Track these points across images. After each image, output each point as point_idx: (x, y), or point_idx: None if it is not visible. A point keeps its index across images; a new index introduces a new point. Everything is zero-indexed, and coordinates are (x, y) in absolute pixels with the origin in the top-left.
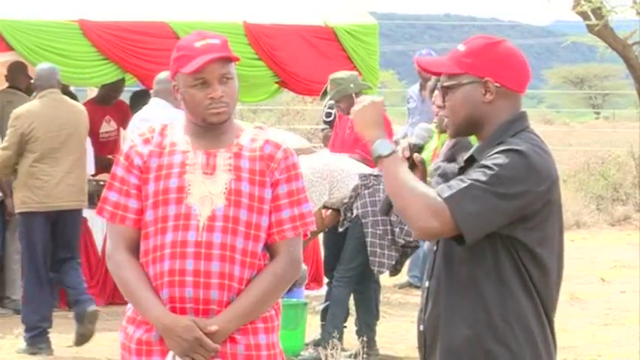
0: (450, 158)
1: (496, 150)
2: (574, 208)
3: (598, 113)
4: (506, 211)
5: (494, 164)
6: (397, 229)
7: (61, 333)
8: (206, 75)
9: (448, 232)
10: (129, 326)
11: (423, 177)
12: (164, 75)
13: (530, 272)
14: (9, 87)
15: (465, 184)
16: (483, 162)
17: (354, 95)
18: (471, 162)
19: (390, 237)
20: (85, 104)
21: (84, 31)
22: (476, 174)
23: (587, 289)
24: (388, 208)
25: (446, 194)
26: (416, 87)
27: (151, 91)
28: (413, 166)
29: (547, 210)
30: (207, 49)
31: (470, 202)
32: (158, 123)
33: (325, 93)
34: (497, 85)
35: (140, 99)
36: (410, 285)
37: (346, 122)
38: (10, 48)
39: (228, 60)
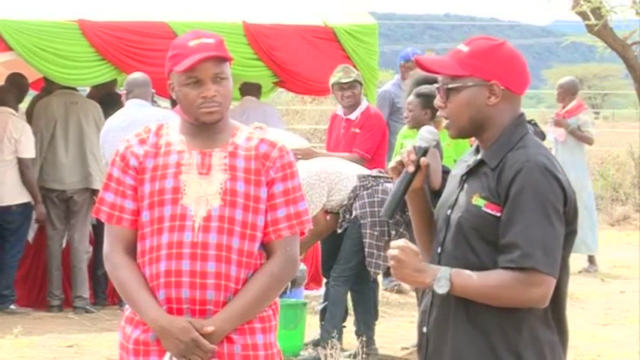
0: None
1: (517, 168)
2: None
3: (597, 113)
4: (562, 230)
5: (535, 195)
6: (393, 231)
7: (61, 333)
8: (199, 74)
9: (552, 285)
10: (127, 326)
11: (425, 181)
12: (142, 77)
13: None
14: (68, 87)
15: (536, 239)
16: (520, 193)
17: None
18: (480, 165)
19: (386, 238)
20: None
21: (83, 31)
22: (529, 215)
23: (587, 289)
24: (393, 210)
25: (530, 263)
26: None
27: (125, 93)
28: (418, 169)
29: (572, 211)
30: (200, 48)
31: (551, 256)
32: (154, 122)
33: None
34: (503, 88)
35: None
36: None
37: (340, 122)
38: (10, 48)
39: (221, 59)
